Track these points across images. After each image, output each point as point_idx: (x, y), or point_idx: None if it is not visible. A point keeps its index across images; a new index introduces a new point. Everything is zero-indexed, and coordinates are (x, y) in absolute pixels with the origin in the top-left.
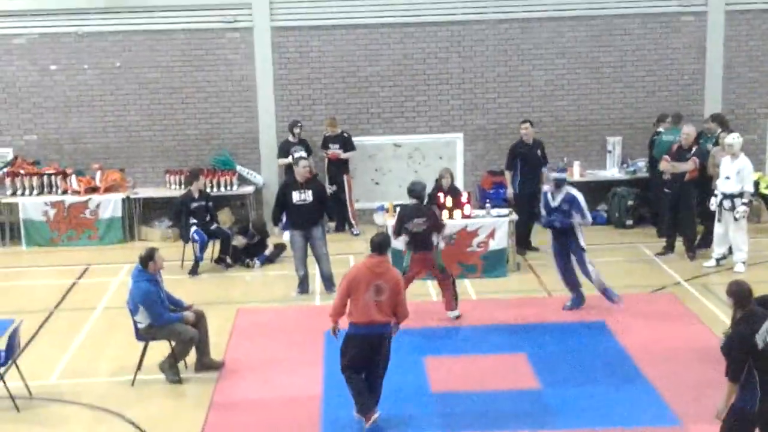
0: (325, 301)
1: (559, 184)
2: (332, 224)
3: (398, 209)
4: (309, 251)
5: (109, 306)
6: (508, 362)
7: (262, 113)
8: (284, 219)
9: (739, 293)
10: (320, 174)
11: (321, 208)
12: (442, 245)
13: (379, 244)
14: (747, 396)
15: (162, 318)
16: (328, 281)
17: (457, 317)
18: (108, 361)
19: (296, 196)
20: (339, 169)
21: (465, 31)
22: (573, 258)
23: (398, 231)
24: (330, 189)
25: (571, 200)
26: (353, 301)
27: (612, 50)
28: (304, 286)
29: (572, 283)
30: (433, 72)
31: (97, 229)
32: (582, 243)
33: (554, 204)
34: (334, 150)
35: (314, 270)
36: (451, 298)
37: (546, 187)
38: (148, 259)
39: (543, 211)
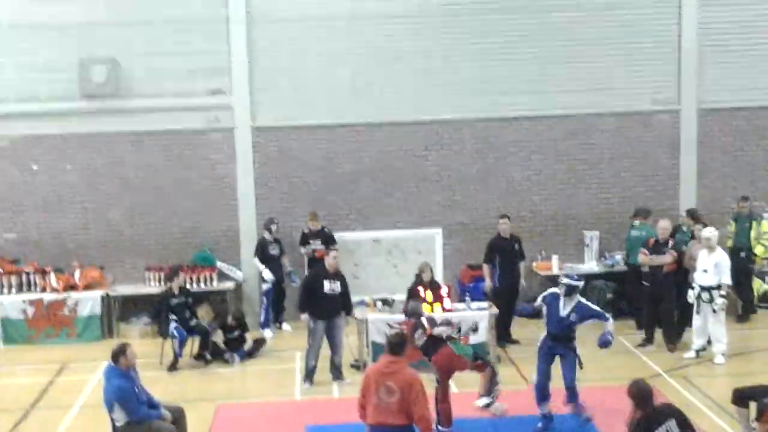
0: (306, 396)
1: (570, 291)
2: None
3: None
4: None
5: (87, 404)
6: None
7: (242, 210)
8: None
9: (639, 394)
10: (299, 270)
11: (345, 299)
12: (449, 332)
13: (393, 345)
14: None
15: (138, 413)
16: (338, 371)
17: (487, 406)
18: None
19: (327, 286)
20: (315, 267)
21: (443, 129)
22: (564, 366)
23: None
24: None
25: (583, 312)
26: (366, 402)
27: (587, 147)
28: (311, 377)
29: (545, 394)
30: (412, 169)
31: (75, 326)
32: (577, 348)
33: (563, 313)
34: (318, 247)
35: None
36: (487, 383)
37: (556, 290)
38: (119, 354)
39: (538, 304)
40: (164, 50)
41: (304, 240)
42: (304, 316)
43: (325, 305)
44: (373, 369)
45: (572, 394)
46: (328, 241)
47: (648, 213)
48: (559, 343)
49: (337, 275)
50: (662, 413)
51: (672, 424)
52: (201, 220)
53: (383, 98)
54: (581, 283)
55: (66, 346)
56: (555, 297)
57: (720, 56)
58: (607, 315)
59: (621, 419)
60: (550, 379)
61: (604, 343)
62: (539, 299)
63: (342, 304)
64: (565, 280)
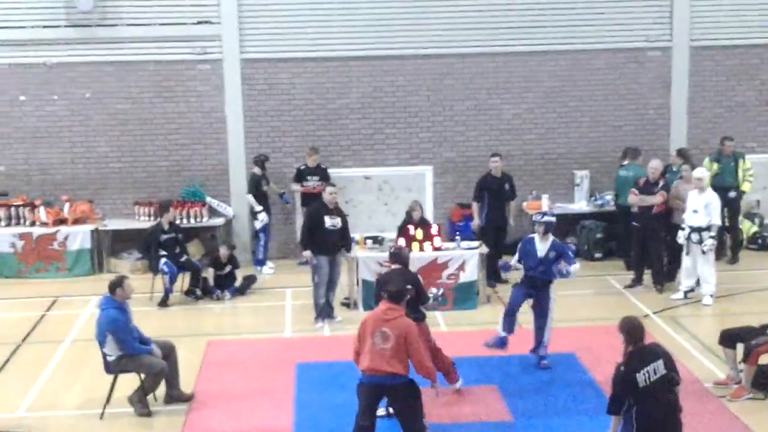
0: (295, 333)
1: (548, 229)
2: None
3: (380, 275)
4: None
5: (78, 338)
6: (480, 394)
7: (231, 145)
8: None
9: (630, 329)
10: (293, 207)
11: (346, 234)
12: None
13: (394, 293)
14: (625, 430)
15: (131, 346)
16: (331, 308)
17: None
18: (76, 394)
19: (328, 221)
20: (315, 202)
21: (434, 65)
22: (537, 307)
23: (377, 298)
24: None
25: (559, 248)
26: (361, 349)
27: (579, 85)
28: (324, 314)
29: (512, 322)
30: (403, 105)
31: (65, 260)
32: (553, 294)
33: (541, 254)
34: (315, 183)
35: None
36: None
37: (528, 235)
38: (116, 285)
39: (517, 260)
40: None
41: (300, 176)
42: (307, 253)
43: (328, 240)
44: (371, 315)
45: (540, 340)
46: (326, 178)
47: (637, 153)
48: (537, 287)
49: (337, 210)
50: (651, 352)
51: (659, 364)
52: (189, 154)
53: (374, 31)
54: (554, 218)
55: (56, 281)
56: (530, 241)
57: None
58: (575, 271)
59: (608, 358)
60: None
61: (558, 273)
62: (516, 257)
63: (343, 239)
64: (544, 219)
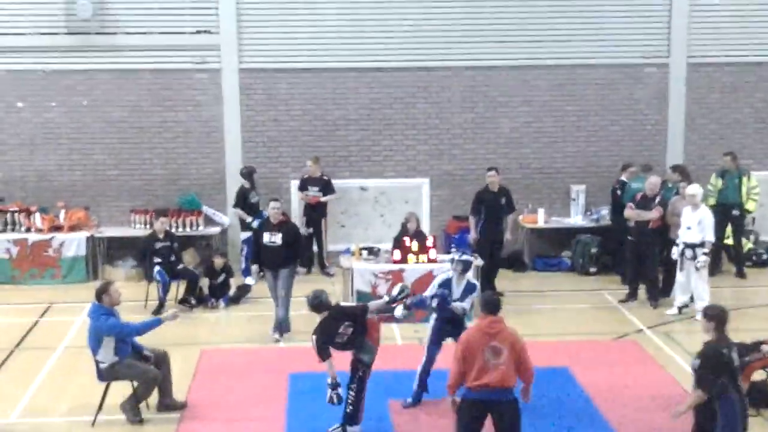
0: (289, 343)
1: (467, 268)
2: (302, 269)
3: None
4: None
5: (71, 345)
6: None
7: (229, 154)
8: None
9: (720, 316)
10: (295, 217)
11: (289, 251)
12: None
13: (490, 304)
14: (728, 411)
15: (126, 353)
16: (278, 325)
17: None
18: (68, 401)
19: (266, 237)
20: (317, 212)
21: (432, 78)
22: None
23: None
24: (306, 231)
25: (471, 290)
26: (469, 367)
27: (576, 99)
28: (281, 328)
29: (426, 377)
30: (400, 117)
31: (60, 267)
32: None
33: (457, 294)
34: (314, 193)
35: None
36: None
37: (444, 275)
38: (102, 292)
39: (434, 294)
40: None
41: (303, 185)
42: (254, 267)
43: (265, 257)
44: (473, 333)
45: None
46: (326, 188)
47: (649, 167)
48: (454, 325)
49: (280, 227)
50: (730, 341)
51: (735, 353)
52: (186, 163)
53: (372, 43)
54: (473, 259)
55: (51, 287)
56: (448, 282)
57: (711, 10)
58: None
59: (602, 372)
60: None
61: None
62: (431, 291)
63: (286, 256)
64: (463, 258)
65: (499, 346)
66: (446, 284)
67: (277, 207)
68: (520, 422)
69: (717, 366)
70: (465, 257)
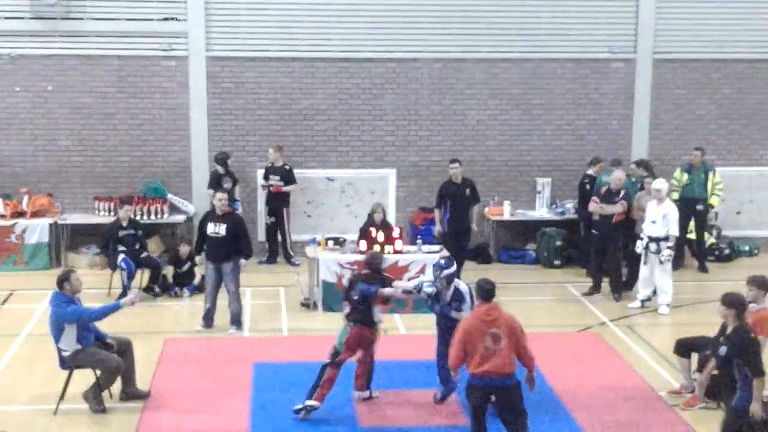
0: (253, 333)
1: (450, 280)
2: (244, 261)
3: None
4: None
5: (33, 333)
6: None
7: (195, 142)
8: None
9: (739, 301)
10: (255, 205)
11: (234, 243)
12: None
13: (487, 291)
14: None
15: (88, 340)
16: (234, 319)
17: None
18: (30, 389)
19: (210, 228)
20: (279, 201)
21: (400, 69)
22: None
23: (346, 297)
24: (269, 220)
25: (460, 297)
26: (471, 354)
27: (543, 93)
28: (207, 320)
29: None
30: (368, 107)
31: (22, 254)
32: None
33: (447, 299)
34: (276, 183)
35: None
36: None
37: (428, 287)
38: (63, 280)
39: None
40: None
41: (265, 175)
42: (197, 258)
43: (209, 248)
44: (472, 321)
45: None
46: (288, 178)
47: (619, 162)
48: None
49: (225, 218)
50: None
51: None
52: (152, 151)
53: (340, 33)
54: (453, 268)
55: (13, 274)
56: (439, 292)
57: (677, 7)
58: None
59: (565, 365)
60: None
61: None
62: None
63: (231, 248)
64: (445, 273)
65: (497, 332)
66: (436, 297)
67: (224, 198)
68: (523, 403)
69: (756, 347)
70: (446, 271)
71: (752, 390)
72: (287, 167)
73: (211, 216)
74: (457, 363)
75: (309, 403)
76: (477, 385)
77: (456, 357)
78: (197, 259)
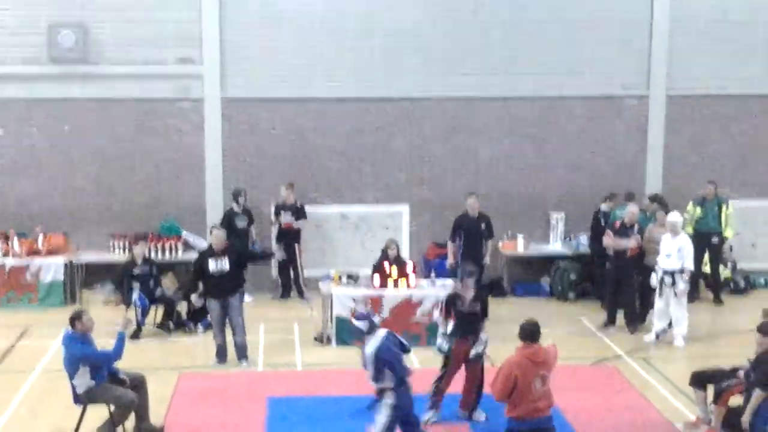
0: (267, 367)
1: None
2: (248, 298)
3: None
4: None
5: (48, 369)
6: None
7: (209, 181)
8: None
9: None
10: (267, 243)
11: (239, 275)
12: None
13: (532, 332)
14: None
15: (102, 378)
16: (241, 351)
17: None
18: (45, 425)
19: (212, 266)
20: (291, 237)
21: (414, 107)
22: None
23: (447, 312)
24: (281, 257)
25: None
26: (518, 394)
27: (556, 130)
28: (221, 356)
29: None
30: (382, 145)
31: (37, 292)
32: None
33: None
34: (288, 219)
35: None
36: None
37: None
38: (75, 319)
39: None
40: (134, 17)
41: (277, 212)
42: (193, 297)
43: (213, 285)
44: (521, 363)
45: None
46: (299, 214)
47: (632, 196)
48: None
49: (225, 252)
50: None
51: None
52: (167, 190)
53: (354, 73)
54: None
55: (28, 311)
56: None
57: (690, 44)
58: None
59: (580, 398)
60: None
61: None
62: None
63: (236, 281)
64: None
65: (545, 374)
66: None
67: (220, 234)
68: None
69: None
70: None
71: (753, 400)
72: (299, 204)
73: (209, 253)
74: (505, 397)
75: None
76: (527, 426)
77: (503, 391)
78: (193, 297)
